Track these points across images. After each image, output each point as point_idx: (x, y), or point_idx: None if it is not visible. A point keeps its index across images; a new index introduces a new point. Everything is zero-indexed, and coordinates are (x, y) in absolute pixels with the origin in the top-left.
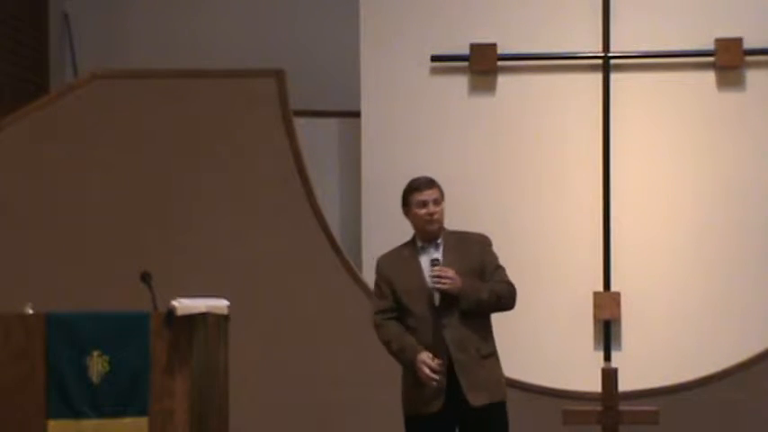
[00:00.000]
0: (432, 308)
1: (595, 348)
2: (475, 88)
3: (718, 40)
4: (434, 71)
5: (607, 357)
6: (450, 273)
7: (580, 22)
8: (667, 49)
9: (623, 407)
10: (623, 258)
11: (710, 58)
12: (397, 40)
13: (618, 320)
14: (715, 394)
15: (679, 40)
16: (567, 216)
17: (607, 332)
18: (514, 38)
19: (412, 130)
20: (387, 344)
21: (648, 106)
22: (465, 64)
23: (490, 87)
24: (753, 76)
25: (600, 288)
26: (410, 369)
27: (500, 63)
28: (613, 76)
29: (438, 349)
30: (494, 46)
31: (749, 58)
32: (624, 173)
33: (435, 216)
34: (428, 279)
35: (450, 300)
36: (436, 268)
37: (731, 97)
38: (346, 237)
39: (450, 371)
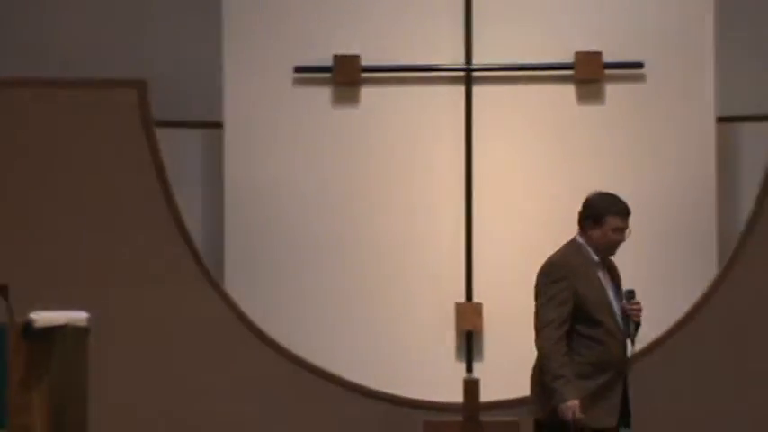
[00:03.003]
0: (617, 326)
1: (457, 359)
2: (338, 99)
3: (577, 54)
4: (297, 82)
5: (469, 368)
6: (641, 306)
7: (443, 34)
8: (528, 62)
9: (484, 418)
10: (485, 269)
11: (570, 72)
12: (259, 51)
13: (480, 331)
14: None
15: (540, 53)
16: (429, 227)
17: (469, 343)
18: (378, 50)
19: (275, 141)
20: (550, 359)
21: (510, 118)
22: (328, 75)
23: (353, 99)
24: (612, 90)
25: (462, 299)
26: (554, 397)
27: (363, 75)
28: (475, 89)
29: (619, 365)
30: (357, 57)
31: (608, 72)
32: (486, 184)
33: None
34: (614, 303)
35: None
36: (637, 300)
37: (590, 110)
38: (208, 248)
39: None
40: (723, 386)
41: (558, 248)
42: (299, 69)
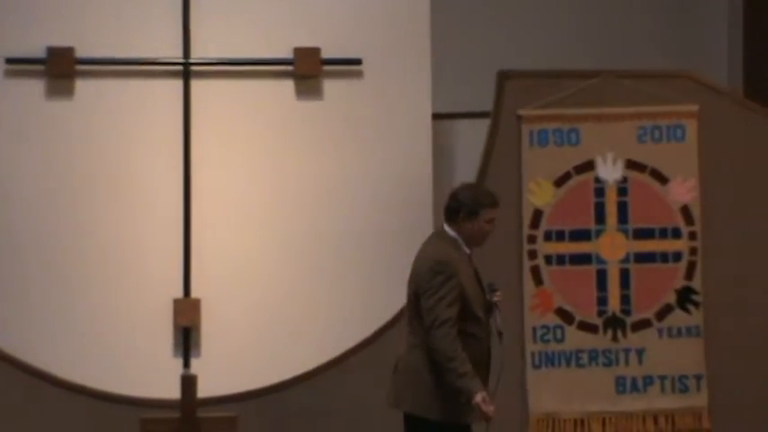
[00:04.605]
0: (488, 320)
1: (175, 355)
2: (52, 92)
3: (296, 49)
4: (9, 74)
5: (186, 364)
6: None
7: (160, 27)
8: (247, 56)
9: (202, 413)
10: (204, 265)
11: (289, 67)
12: None
13: (198, 327)
14: (293, 398)
15: (259, 48)
16: (147, 222)
17: (186, 339)
18: (93, 42)
19: None
20: (450, 359)
21: (229, 113)
22: (41, 67)
23: (68, 91)
24: (330, 86)
25: (180, 295)
26: (460, 394)
27: (78, 67)
28: (194, 83)
29: (487, 361)
30: (71, 49)
31: (327, 68)
32: (205, 179)
33: None
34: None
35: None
36: (500, 293)
37: (309, 106)
38: None
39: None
40: None
41: (430, 244)
42: (10, 61)
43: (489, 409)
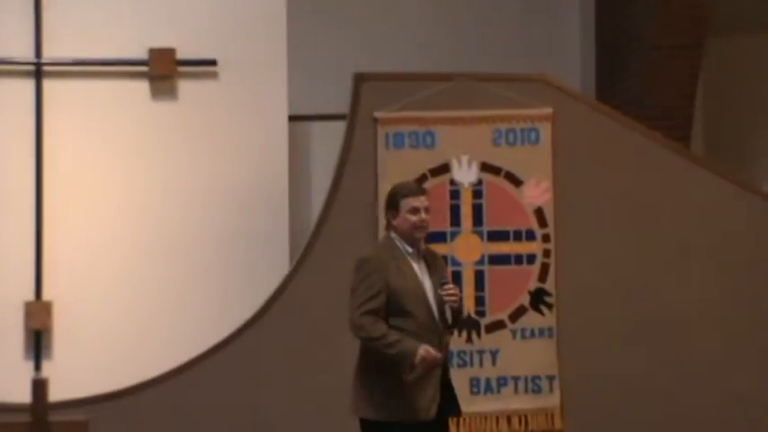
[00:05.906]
0: (431, 317)
1: (26, 358)
2: None
3: (151, 50)
4: None
5: (37, 368)
6: (457, 291)
7: (11, 26)
8: (101, 57)
9: (53, 418)
10: (56, 267)
11: (144, 68)
12: None
13: (49, 330)
14: (145, 402)
15: (113, 48)
16: None
17: (38, 342)
18: None
19: None
20: (380, 338)
21: (83, 114)
22: None
23: None
24: (185, 86)
25: (31, 297)
26: (405, 357)
27: None
28: (46, 83)
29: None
30: None
31: (181, 69)
32: (57, 181)
33: (426, 224)
34: (430, 294)
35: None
36: (449, 286)
37: (164, 106)
38: None
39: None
40: (295, 377)
41: None
42: None
43: (438, 355)
